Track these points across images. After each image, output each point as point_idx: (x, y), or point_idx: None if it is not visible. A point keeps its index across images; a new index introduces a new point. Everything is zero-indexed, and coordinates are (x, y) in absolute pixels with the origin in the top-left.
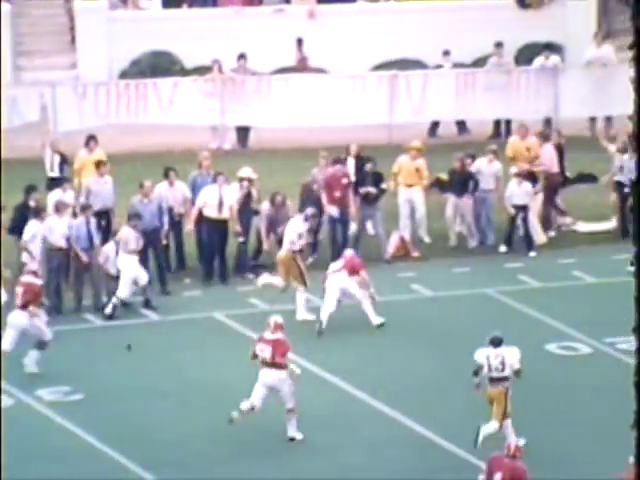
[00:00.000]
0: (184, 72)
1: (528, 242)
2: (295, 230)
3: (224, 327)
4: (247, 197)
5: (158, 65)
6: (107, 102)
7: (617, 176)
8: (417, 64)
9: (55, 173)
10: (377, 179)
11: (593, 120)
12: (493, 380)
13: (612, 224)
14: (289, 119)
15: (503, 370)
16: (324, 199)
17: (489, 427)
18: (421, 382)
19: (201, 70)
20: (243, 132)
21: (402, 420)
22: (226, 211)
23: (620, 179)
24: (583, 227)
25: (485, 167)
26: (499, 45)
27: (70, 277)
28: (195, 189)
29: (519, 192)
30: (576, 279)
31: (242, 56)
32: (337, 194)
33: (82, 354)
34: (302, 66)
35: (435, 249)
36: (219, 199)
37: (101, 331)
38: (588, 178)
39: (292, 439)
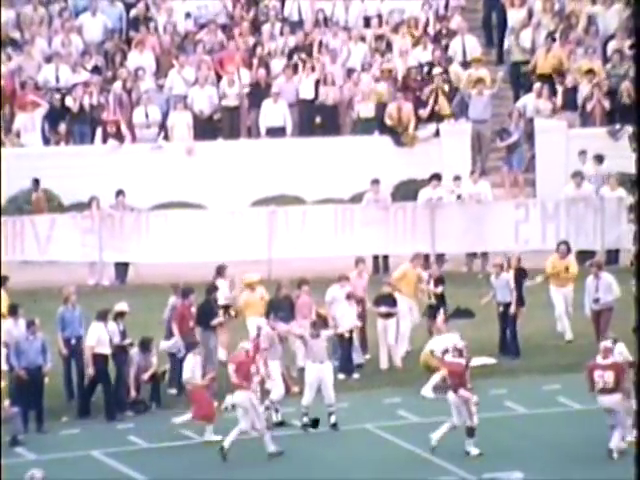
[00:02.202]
0: (62, 209)
1: (347, 367)
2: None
3: (102, 466)
4: (123, 334)
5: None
6: None
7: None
8: (296, 200)
9: None
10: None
11: (470, 256)
12: None
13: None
14: (168, 255)
15: None
16: (175, 330)
17: None
18: None
19: (79, 207)
20: (122, 268)
21: None
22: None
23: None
24: None
25: (337, 292)
26: (375, 182)
27: None
28: (63, 325)
29: (350, 314)
30: None
31: (120, 192)
32: (187, 325)
33: None
34: (38, 207)
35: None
36: (108, 335)
37: None
38: (465, 314)
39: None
